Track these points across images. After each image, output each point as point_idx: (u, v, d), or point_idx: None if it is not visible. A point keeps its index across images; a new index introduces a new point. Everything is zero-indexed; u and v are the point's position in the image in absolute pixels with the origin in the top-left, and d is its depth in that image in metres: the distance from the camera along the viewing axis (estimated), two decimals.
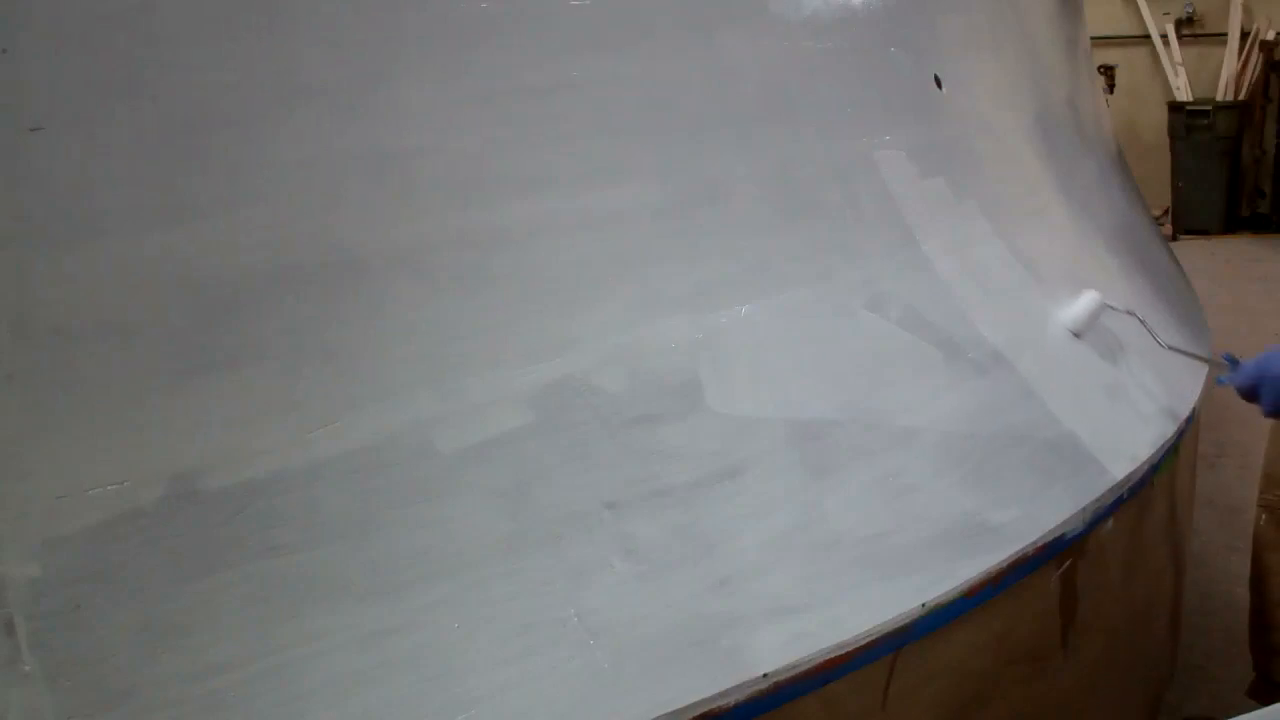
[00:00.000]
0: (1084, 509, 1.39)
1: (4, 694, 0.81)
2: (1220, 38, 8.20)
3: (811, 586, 1.12)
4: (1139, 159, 4.87)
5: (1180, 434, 1.74)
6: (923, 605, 1.15)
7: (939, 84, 1.74)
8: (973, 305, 1.54)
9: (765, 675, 1.03)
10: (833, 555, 1.16)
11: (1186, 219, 8.07)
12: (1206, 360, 1.85)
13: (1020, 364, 1.52)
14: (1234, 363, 1.71)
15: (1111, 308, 1.77)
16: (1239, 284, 6.23)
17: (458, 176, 1.11)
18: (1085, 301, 1.74)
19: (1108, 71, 7.66)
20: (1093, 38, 3.24)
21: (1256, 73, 7.98)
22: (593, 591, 1.02)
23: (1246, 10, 8.15)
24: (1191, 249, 7.11)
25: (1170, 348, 1.81)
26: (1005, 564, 1.25)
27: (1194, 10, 8.38)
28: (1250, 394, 1.63)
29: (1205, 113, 7.87)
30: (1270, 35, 7.94)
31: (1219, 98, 8.01)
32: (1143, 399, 1.72)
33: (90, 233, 0.91)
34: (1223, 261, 6.91)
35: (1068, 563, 1.40)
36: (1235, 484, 3.44)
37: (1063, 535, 1.35)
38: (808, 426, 1.25)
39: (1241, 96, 7.95)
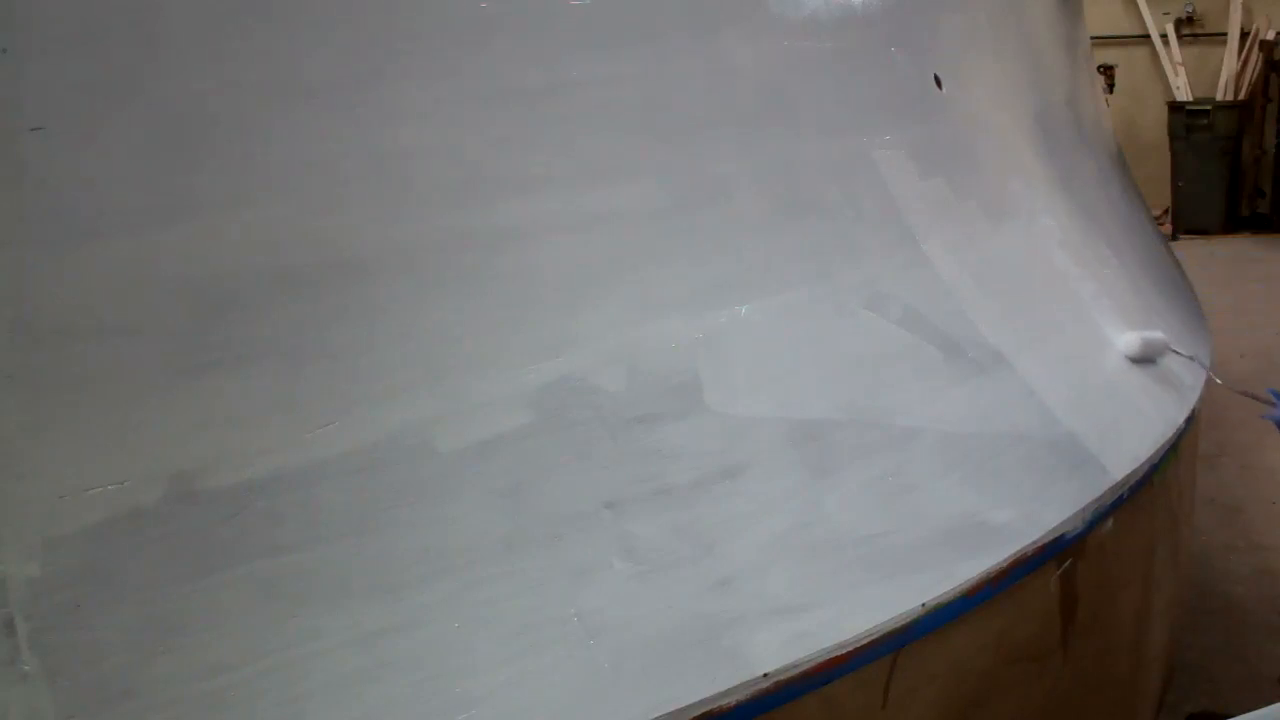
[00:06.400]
0: (1084, 509, 1.39)
1: (4, 694, 0.81)
2: (1220, 37, 8.20)
3: (811, 586, 1.12)
4: (1139, 159, 4.87)
5: (1180, 434, 1.74)
6: (923, 605, 1.15)
7: (939, 84, 1.74)
8: (973, 305, 1.54)
9: (766, 675, 1.03)
10: (833, 555, 1.16)
11: (1186, 219, 8.07)
12: (1255, 397, 1.90)
13: (1020, 364, 1.52)
14: None
15: (1176, 352, 1.87)
16: (1239, 284, 6.23)
17: (457, 176, 1.11)
18: (1148, 336, 1.82)
19: (1108, 71, 7.65)
20: (1093, 38, 3.24)
21: (1256, 72, 7.98)
22: (593, 591, 1.02)
23: (1246, 10, 8.15)
24: (1191, 249, 7.10)
25: (1233, 389, 1.93)
26: (1005, 564, 1.25)
27: (1194, 10, 8.38)
28: None
29: (1205, 113, 7.87)
30: (1270, 35, 7.94)
31: (1219, 98, 8.01)
32: (1143, 399, 1.72)
33: (90, 233, 0.91)
34: (1223, 261, 6.91)
35: (1068, 563, 1.40)
36: (1235, 483, 3.44)
37: (1063, 535, 1.35)
38: (808, 426, 1.25)
39: (1241, 96, 7.96)
